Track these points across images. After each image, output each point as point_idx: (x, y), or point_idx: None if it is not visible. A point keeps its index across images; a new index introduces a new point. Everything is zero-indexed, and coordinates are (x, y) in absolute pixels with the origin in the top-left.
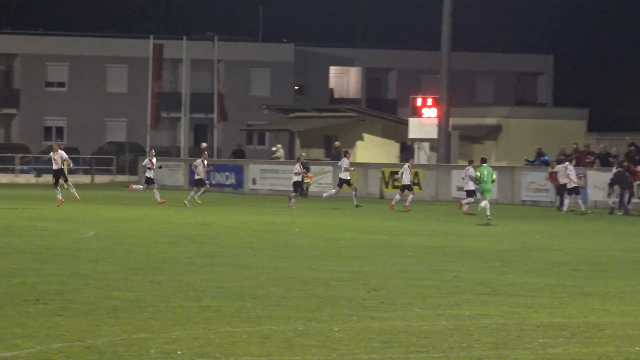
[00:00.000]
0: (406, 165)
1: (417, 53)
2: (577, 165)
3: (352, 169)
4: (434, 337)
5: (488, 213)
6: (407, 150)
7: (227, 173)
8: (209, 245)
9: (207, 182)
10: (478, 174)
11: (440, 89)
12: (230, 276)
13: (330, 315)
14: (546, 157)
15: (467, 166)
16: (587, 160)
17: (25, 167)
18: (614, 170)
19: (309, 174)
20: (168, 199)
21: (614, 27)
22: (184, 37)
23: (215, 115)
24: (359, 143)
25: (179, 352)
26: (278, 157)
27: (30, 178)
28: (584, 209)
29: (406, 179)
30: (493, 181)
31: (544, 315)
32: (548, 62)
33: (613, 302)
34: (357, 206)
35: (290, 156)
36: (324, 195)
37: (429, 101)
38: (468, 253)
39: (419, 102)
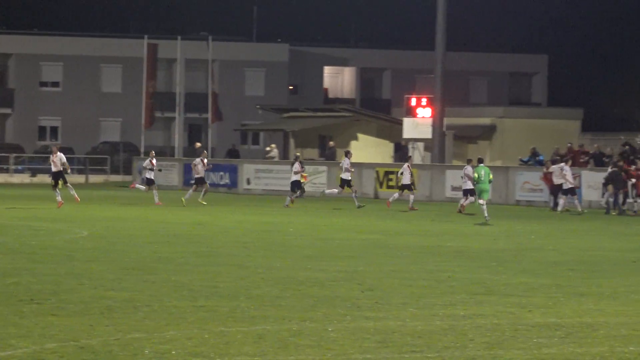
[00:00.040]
0: (406, 165)
1: (411, 53)
2: (571, 165)
3: (352, 170)
4: (428, 337)
5: (486, 214)
6: (402, 150)
7: (222, 173)
8: (203, 245)
9: (206, 181)
10: (476, 175)
11: (434, 89)
12: (224, 276)
13: (325, 315)
14: (541, 157)
15: (465, 165)
16: (581, 160)
17: (19, 167)
18: (609, 170)
19: (304, 174)
20: (162, 199)
21: (608, 27)
22: (179, 37)
23: (209, 115)
24: (353, 143)
25: (174, 352)
26: (272, 157)
27: (24, 178)
28: (580, 210)
29: (406, 179)
30: (490, 181)
31: (539, 315)
32: (542, 62)
33: (607, 302)
34: (359, 207)
35: (285, 156)
36: (326, 191)
37: (424, 101)
38: (463, 253)
39: (413, 102)
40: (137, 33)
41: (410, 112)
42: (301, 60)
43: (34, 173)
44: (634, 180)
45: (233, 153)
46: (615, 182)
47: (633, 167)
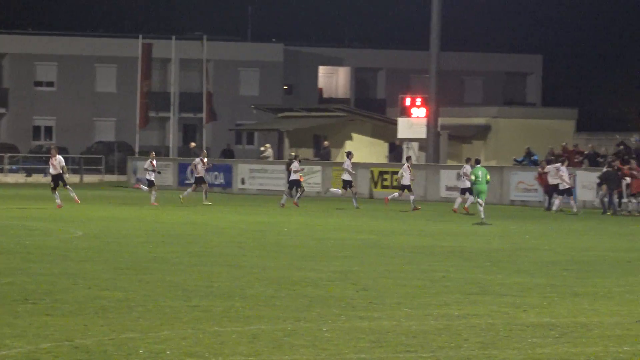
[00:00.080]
0: (406, 165)
1: (406, 53)
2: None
3: (354, 172)
4: (422, 337)
5: (482, 215)
6: (396, 150)
7: (216, 173)
8: (197, 245)
9: (206, 182)
10: (473, 177)
11: (429, 89)
12: (219, 276)
13: (319, 314)
14: (535, 157)
15: (464, 165)
16: (576, 160)
17: (14, 167)
18: (604, 169)
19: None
20: (157, 199)
21: (602, 27)
22: (173, 37)
23: (204, 115)
24: (347, 143)
25: (168, 352)
26: (267, 157)
27: (19, 178)
28: (575, 210)
29: (406, 179)
30: (488, 182)
31: (533, 315)
32: (537, 62)
33: (602, 302)
34: (357, 208)
35: (279, 156)
36: (331, 189)
37: (418, 101)
38: (457, 253)
39: (407, 101)
40: (131, 33)
41: (405, 112)
42: (296, 60)
43: (29, 173)
44: (628, 179)
45: (227, 153)
46: (609, 181)
47: (627, 166)
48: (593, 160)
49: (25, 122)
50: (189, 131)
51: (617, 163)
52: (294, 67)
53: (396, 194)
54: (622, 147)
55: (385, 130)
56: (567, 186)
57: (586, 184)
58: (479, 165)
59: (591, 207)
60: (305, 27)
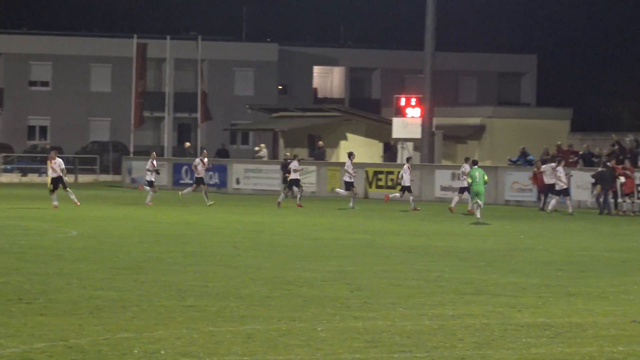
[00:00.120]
0: (406, 165)
1: (400, 53)
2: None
3: (354, 173)
4: (417, 337)
5: (478, 215)
6: (391, 150)
7: (211, 173)
8: (192, 244)
9: (205, 183)
10: (469, 179)
11: (423, 89)
12: (213, 276)
13: (314, 314)
14: (530, 157)
15: (463, 164)
16: (571, 160)
17: (8, 167)
18: (599, 169)
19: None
20: (152, 199)
21: (597, 27)
22: (168, 37)
23: (199, 115)
24: (342, 143)
25: (163, 352)
26: (261, 157)
27: (14, 177)
28: (570, 210)
29: (406, 180)
30: (486, 182)
31: (528, 315)
32: (531, 62)
33: (596, 302)
34: (352, 208)
35: (274, 156)
36: (336, 189)
37: (413, 101)
38: (452, 253)
39: (402, 101)
40: (126, 32)
41: (400, 112)
42: (290, 60)
43: (24, 173)
44: (622, 179)
45: (222, 153)
46: (603, 181)
47: (620, 166)
48: (588, 161)
49: (20, 122)
50: (184, 131)
51: (612, 162)
52: (288, 67)
53: (397, 194)
54: (616, 147)
55: (380, 130)
56: (564, 186)
57: (580, 184)
58: (476, 167)
59: (586, 207)
60: (300, 27)
